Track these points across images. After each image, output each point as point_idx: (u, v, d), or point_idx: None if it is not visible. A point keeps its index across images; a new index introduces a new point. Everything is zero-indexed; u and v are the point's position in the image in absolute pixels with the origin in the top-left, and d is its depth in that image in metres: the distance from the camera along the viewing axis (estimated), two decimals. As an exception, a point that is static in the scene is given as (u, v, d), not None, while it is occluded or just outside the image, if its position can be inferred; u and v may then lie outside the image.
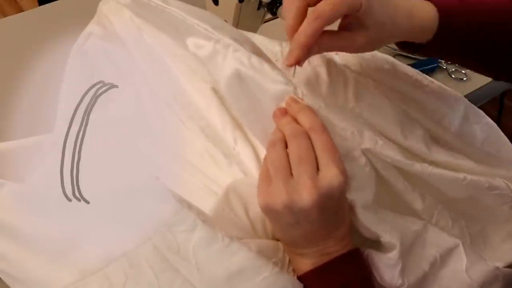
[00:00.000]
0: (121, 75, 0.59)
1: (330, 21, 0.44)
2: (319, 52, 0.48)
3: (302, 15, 0.46)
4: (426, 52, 0.52)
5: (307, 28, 0.44)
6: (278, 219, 0.45)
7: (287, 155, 0.43)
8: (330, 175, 0.41)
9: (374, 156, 0.49)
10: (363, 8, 0.44)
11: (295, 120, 0.45)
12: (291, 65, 0.46)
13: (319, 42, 0.47)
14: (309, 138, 0.44)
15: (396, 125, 0.52)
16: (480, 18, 0.50)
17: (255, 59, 0.48)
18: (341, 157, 0.43)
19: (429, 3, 0.49)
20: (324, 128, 0.44)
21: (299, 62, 0.46)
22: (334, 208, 0.43)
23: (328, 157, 0.42)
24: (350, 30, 0.47)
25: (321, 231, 0.45)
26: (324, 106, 0.49)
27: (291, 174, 0.43)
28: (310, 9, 0.46)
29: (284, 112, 0.46)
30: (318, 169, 0.42)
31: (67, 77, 0.62)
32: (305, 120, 0.44)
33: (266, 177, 0.45)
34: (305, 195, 0.41)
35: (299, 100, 0.46)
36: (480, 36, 0.50)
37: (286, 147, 0.44)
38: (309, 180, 0.41)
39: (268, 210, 0.44)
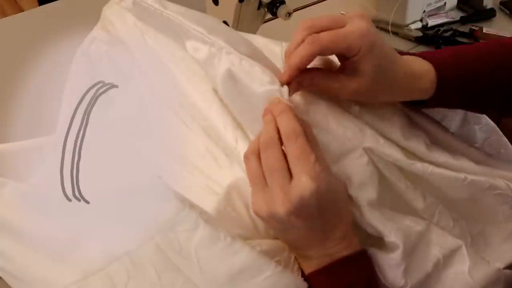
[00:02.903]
0: (123, 77, 0.59)
1: (325, 50, 0.45)
2: (310, 87, 0.49)
3: (310, 60, 0.46)
4: (426, 107, 0.52)
5: (301, 49, 0.45)
6: (269, 225, 0.46)
7: (261, 166, 0.44)
8: (300, 184, 0.41)
9: (376, 155, 0.49)
10: (361, 53, 0.45)
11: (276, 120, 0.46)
12: (283, 83, 0.47)
13: (313, 76, 0.48)
14: (281, 146, 0.44)
15: (397, 126, 0.52)
16: (474, 67, 0.51)
17: (246, 62, 0.49)
18: (318, 161, 0.43)
19: (426, 63, 0.49)
20: (299, 133, 0.43)
21: (290, 81, 0.47)
22: (315, 213, 0.43)
23: (300, 164, 0.42)
24: (346, 74, 0.47)
25: (313, 235, 0.45)
26: (324, 105, 0.50)
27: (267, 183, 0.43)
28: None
29: (267, 111, 0.47)
30: (292, 176, 0.43)
31: (70, 80, 0.62)
32: (282, 125, 0.44)
33: (252, 187, 0.46)
34: (278, 206, 0.42)
35: (283, 101, 0.46)
36: (477, 84, 0.51)
37: None
38: (281, 191, 0.42)
39: (259, 217, 0.45)
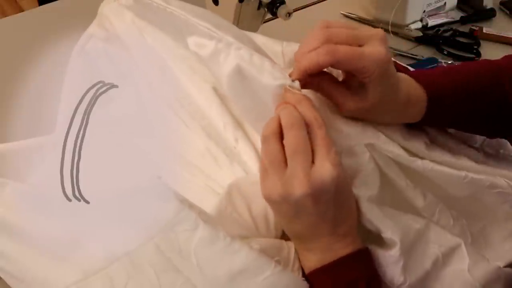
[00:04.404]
0: (122, 76, 0.59)
1: (338, 64, 0.44)
2: (316, 90, 0.49)
3: (322, 68, 0.46)
4: (415, 125, 0.53)
5: (314, 56, 0.44)
6: (279, 211, 0.45)
7: (281, 147, 0.44)
8: (323, 169, 0.42)
9: (377, 152, 0.49)
10: (373, 78, 0.44)
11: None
12: (292, 80, 0.47)
13: (320, 80, 0.47)
14: (306, 129, 0.44)
15: (396, 126, 0.52)
16: (466, 88, 0.51)
17: (256, 57, 0.48)
18: (337, 152, 0.44)
19: (419, 86, 0.50)
20: (322, 123, 0.44)
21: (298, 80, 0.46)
22: (330, 201, 0.44)
23: (324, 152, 0.43)
24: (349, 89, 0.47)
25: (322, 225, 0.45)
26: (326, 104, 0.50)
27: (286, 165, 0.43)
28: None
29: (282, 103, 0.46)
30: (313, 162, 0.43)
31: (68, 79, 0.62)
32: (304, 112, 0.45)
33: (264, 170, 0.45)
34: (297, 187, 0.42)
35: (296, 92, 0.46)
36: (469, 104, 0.51)
37: (281, 137, 0.44)
38: (302, 172, 0.42)
39: (269, 202, 0.45)
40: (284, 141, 0.44)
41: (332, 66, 0.45)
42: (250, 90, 0.48)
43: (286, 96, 0.46)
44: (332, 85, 0.48)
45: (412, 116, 0.51)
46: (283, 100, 0.46)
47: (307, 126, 0.44)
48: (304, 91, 0.48)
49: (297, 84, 0.46)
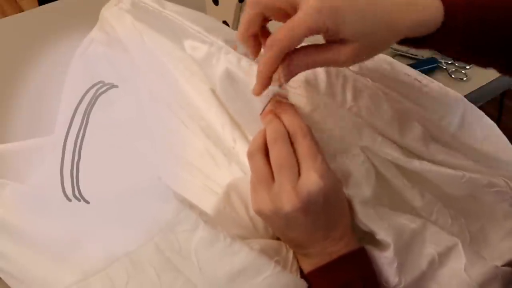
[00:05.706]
0: (122, 79, 0.59)
1: (286, 47, 0.41)
2: (307, 67, 0.45)
3: (254, 23, 0.44)
4: (426, 45, 0.47)
5: (264, 56, 0.42)
6: (271, 223, 0.46)
7: (267, 163, 0.44)
8: (309, 181, 0.42)
9: (373, 153, 0.49)
10: (331, 31, 0.40)
11: (280, 119, 0.46)
12: (256, 95, 0.45)
13: (305, 53, 0.43)
14: (291, 141, 0.44)
15: (394, 125, 0.52)
16: (482, 8, 0.46)
17: (244, 61, 0.49)
18: (324, 161, 0.44)
19: None
20: (306, 132, 0.44)
21: (261, 91, 0.44)
22: (321, 211, 0.44)
23: (309, 162, 0.43)
24: (336, 43, 0.42)
25: (315, 233, 0.45)
26: (322, 105, 0.50)
27: (274, 179, 0.44)
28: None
29: (269, 111, 0.47)
30: (300, 173, 0.43)
31: (69, 79, 0.62)
32: (288, 123, 0.45)
33: (253, 185, 0.46)
34: (286, 202, 0.42)
35: (282, 100, 0.47)
36: (484, 27, 0.46)
37: (267, 152, 0.45)
38: (289, 186, 0.42)
39: (260, 216, 0.46)
40: (270, 156, 0.44)
41: (285, 49, 0.41)
42: (241, 94, 0.49)
43: (273, 105, 0.46)
44: (319, 49, 0.43)
45: (428, 19, 0.43)
46: (269, 107, 0.47)
47: (292, 136, 0.44)
48: (300, 96, 0.48)
49: (285, 90, 0.47)
